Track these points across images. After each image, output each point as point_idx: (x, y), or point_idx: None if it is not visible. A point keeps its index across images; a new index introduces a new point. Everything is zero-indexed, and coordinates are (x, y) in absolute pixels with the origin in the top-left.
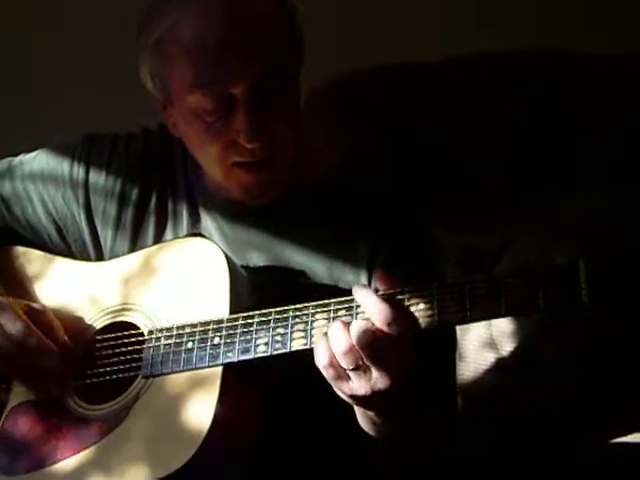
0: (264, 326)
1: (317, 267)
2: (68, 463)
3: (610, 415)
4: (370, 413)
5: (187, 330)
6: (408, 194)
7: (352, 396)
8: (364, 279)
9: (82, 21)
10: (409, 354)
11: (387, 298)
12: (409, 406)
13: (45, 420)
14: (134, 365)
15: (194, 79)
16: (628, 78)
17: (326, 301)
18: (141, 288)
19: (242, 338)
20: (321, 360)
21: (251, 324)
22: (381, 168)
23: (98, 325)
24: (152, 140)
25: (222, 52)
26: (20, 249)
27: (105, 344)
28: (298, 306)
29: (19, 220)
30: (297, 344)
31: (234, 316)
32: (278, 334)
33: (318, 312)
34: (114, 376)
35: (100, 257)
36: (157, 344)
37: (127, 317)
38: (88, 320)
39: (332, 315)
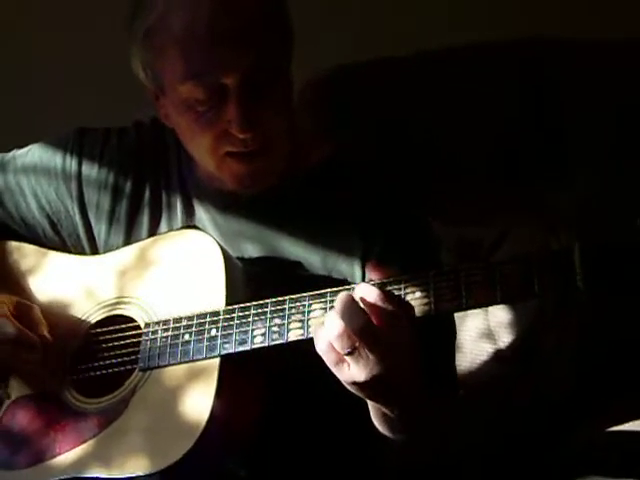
0: (261, 317)
1: (312, 257)
2: (67, 456)
3: (608, 403)
4: (381, 407)
5: (184, 322)
6: (401, 185)
7: (353, 383)
8: (358, 269)
9: (80, 18)
10: (405, 338)
11: (380, 286)
12: (419, 396)
13: (43, 414)
14: (131, 358)
15: (185, 69)
16: (618, 64)
17: (322, 291)
18: (137, 281)
19: (239, 329)
20: (319, 345)
21: (248, 315)
22: (373, 159)
23: (94, 319)
24: (144, 132)
25: (213, 42)
26: (14, 244)
27: (102, 338)
28: (294, 296)
29: (12, 215)
30: (294, 334)
31: (230, 307)
32: (275, 325)
33: (314, 302)
34: (111, 370)
35: (95, 251)
36: (154, 337)
37: (123, 310)
38: (84, 314)
39: (329, 305)
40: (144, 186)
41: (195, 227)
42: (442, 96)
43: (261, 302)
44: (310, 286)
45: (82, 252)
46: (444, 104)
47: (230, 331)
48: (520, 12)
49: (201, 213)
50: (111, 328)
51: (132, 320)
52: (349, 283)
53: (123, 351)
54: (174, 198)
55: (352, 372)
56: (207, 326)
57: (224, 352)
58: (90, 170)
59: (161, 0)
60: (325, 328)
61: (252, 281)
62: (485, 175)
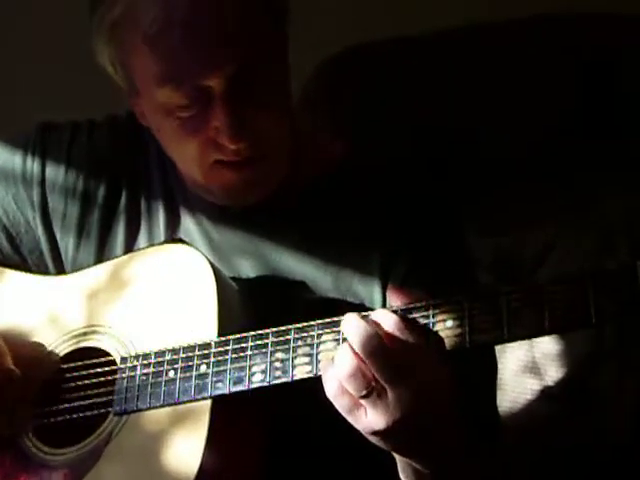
0: (260, 350)
1: (321, 278)
2: None
3: None
4: (411, 462)
5: (168, 357)
6: (430, 192)
7: (374, 433)
8: (378, 292)
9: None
10: (432, 375)
11: (402, 312)
12: (459, 447)
13: None
14: (105, 400)
15: (160, 72)
16: None
17: (335, 319)
18: (111, 306)
19: (234, 365)
20: (330, 389)
21: (244, 348)
22: (396, 162)
23: (60, 352)
24: (119, 128)
25: (190, 40)
26: None
27: (69, 375)
28: (301, 325)
29: None
30: (301, 371)
31: (224, 339)
32: (277, 360)
33: (325, 332)
34: (81, 414)
35: (61, 270)
36: (132, 374)
37: (95, 342)
38: (48, 346)
39: (342, 335)
40: (119, 193)
41: (181, 241)
42: (478, 81)
43: (261, 332)
44: (320, 312)
45: (46, 272)
46: (481, 90)
47: (223, 367)
48: None
49: (189, 224)
50: (80, 363)
51: (106, 354)
52: (367, 308)
53: (95, 391)
54: (155, 206)
55: (370, 419)
56: (196, 361)
57: (216, 393)
58: (55, 174)
59: None
60: (334, 365)
61: (250, 306)
62: (529, 177)
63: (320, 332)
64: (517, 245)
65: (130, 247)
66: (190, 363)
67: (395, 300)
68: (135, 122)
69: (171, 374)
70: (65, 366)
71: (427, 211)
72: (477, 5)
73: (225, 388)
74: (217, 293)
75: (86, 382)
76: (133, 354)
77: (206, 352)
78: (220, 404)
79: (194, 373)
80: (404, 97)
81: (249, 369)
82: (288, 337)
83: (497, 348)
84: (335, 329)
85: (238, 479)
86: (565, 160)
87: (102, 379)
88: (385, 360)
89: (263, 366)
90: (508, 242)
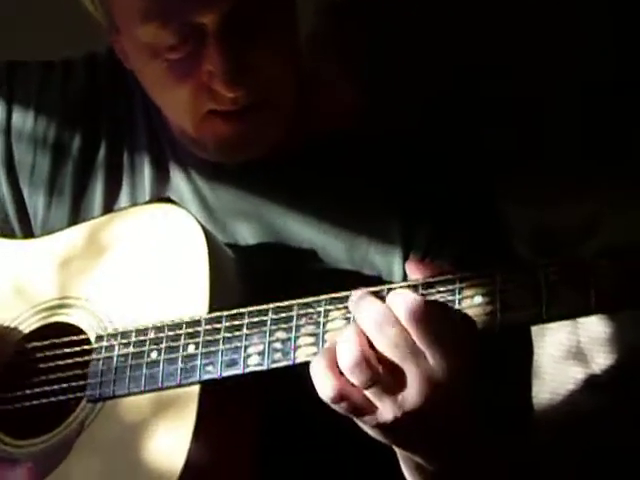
0: (259, 328)
1: (332, 246)
2: None
3: None
4: (413, 457)
5: (151, 335)
6: (458, 152)
7: (378, 425)
8: (397, 264)
9: None
10: (458, 362)
11: (423, 287)
12: (469, 443)
13: None
14: (77, 385)
15: (145, 7)
16: None
17: (345, 293)
18: (86, 276)
19: (227, 346)
20: (324, 389)
21: (240, 326)
22: (419, 117)
23: (27, 328)
24: (98, 69)
25: None
26: None
27: (37, 355)
28: (306, 300)
29: None
30: (304, 353)
31: (216, 315)
32: (278, 340)
33: (334, 308)
34: (49, 400)
35: (29, 233)
36: (109, 355)
37: (66, 317)
38: (12, 321)
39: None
40: (98, 143)
41: (169, 200)
42: (520, 29)
43: (259, 308)
44: (329, 285)
45: (11, 234)
46: (517, 36)
47: (214, 348)
48: None
49: (179, 181)
50: (48, 342)
51: (79, 331)
52: (384, 282)
53: (65, 374)
54: (140, 159)
55: (378, 413)
56: (183, 340)
57: (206, 377)
58: (23, 121)
59: None
60: (337, 354)
61: (247, 277)
62: (574, 142)
63: (328, 308)
64: (559, 217)
65: (110, 207)
66: (176, 343)
67: (416, 273)
68: (117, 60)
69: (154, 355)
70: (31, 345)
71: (454, 173)
72: None
73: (216, 372)
74: (209, 261)
75: (55, 364)
76: (110, 331)
77: (195, 330)
78: (210, 391)
79: (180, 354)
80: (427, 41)
81: (244, 350)
82: (291, 314)
83: (534, 330)
84: (345, 305)
85: (229, 474)
86: (617, 125)
87: (74, 360)
88: (400, 344)
89: (261, 347)
90: (549, 213)
